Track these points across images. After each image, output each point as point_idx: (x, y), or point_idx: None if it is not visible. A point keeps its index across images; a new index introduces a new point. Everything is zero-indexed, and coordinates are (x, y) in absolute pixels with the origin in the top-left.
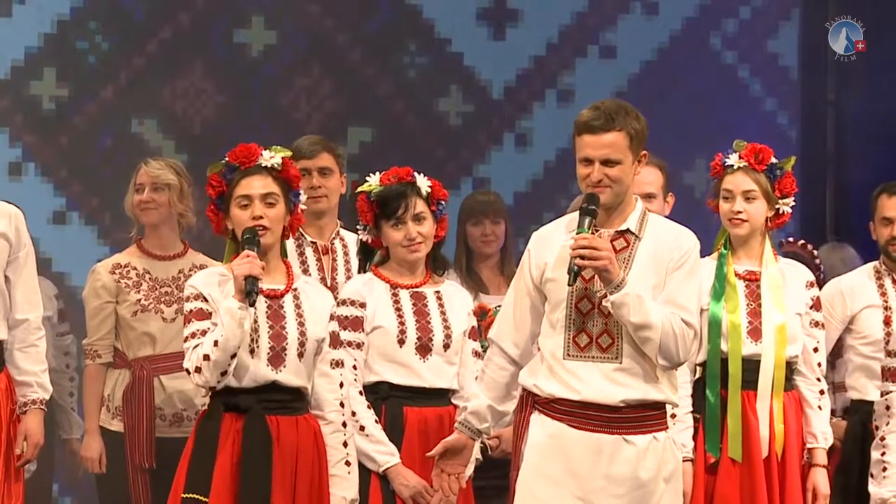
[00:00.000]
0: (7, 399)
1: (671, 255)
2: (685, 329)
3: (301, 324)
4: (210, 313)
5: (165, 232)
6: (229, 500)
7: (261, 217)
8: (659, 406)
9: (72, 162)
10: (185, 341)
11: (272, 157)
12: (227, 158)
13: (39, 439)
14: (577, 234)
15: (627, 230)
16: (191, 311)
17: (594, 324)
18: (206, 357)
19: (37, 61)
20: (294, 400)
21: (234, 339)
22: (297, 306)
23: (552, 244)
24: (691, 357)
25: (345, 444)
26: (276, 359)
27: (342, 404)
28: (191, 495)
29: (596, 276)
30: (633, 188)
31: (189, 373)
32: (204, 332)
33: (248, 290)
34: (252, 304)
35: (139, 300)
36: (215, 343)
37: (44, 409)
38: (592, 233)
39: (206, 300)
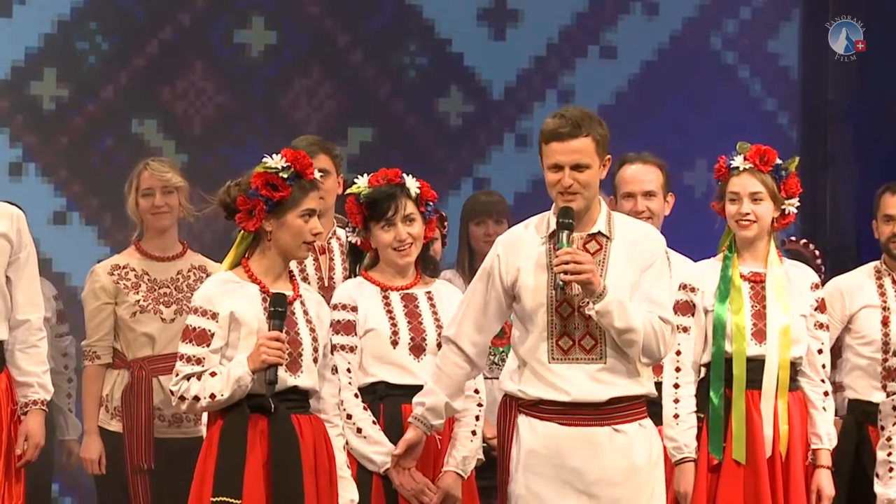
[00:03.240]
0: (8, 399)
1: (642, 255)
2: (663, 326)
3: (312, 329)
4: (212, 335)
5: (171, 233)
6: (262, 500)
7: (320, 233)
8: (640, 397)
9: (72, 162)
10: (178, 358)
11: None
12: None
13: (40, 440)
14: (558, 248)
15: (599, 232)
16: (194, 328)
17: (576, 327)
18: (196, 398)
19: (37, 61)
20: (306, 400)
21: (231, 400)
22: (305, 312)
23: (523, 249)
24: (672, 352)
25: (344, 447)
26: (294, 364)
27: (341, 408)
28: (222, 498)
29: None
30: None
31: (171, 393)
32: (199, 361)
33: (271, 380)
34: (270, 395)
35: (138, 301)
36: (212, 396)
37: (45, 409)
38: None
39: (213, 317)
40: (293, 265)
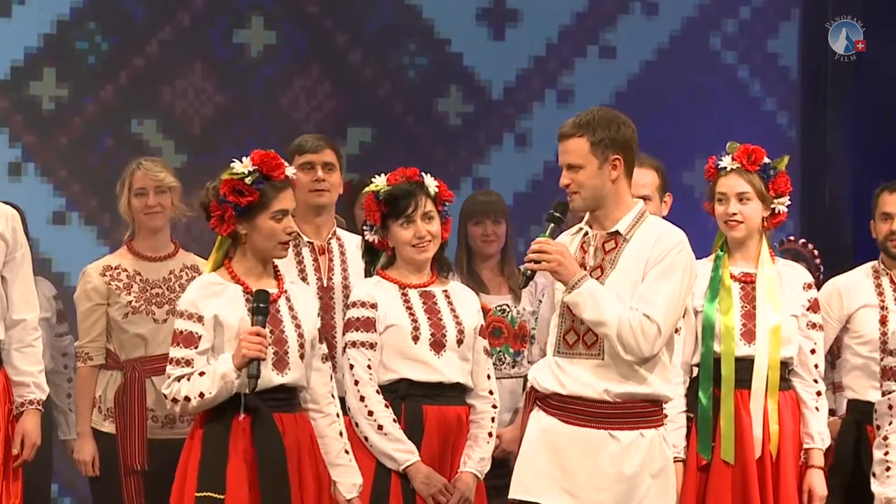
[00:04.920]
0: (4, 399)
1: (651, 253)
2: (645, 323)
3: (298, 325)
4: (199, 337)
5: (163, 233)
6: (246, 496)
7: (294, 231)
8: (648, 401)
9: (72, 162)
10: (168, 362)
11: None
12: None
13: (36, 440)
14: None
15: (617, 232)
16: (181, 332)
17: (582, 322)
18: (187, 399)
19: (37, 61)
20: (293, 397)
21: (219, 398)
22: (291, 308)
23: None
24: (671, 353)
25: (341, 434)
26: (280, 363)
27: (333, 395)
28: (206, 493)
29: None
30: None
31: (165, 396)
32: (188, 362)
33: (253, 374)
34: (253, 390)
35: (130, 302)
36: (201, 395)
37: (41, 409)
38: (584, 242)
39: (199, 320)
40: (293, 266)
